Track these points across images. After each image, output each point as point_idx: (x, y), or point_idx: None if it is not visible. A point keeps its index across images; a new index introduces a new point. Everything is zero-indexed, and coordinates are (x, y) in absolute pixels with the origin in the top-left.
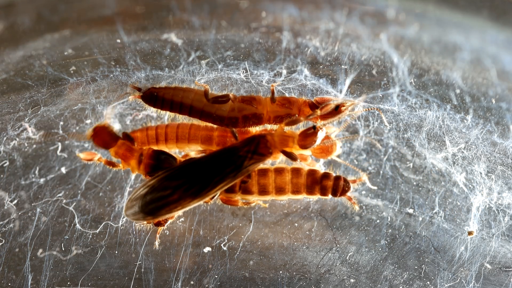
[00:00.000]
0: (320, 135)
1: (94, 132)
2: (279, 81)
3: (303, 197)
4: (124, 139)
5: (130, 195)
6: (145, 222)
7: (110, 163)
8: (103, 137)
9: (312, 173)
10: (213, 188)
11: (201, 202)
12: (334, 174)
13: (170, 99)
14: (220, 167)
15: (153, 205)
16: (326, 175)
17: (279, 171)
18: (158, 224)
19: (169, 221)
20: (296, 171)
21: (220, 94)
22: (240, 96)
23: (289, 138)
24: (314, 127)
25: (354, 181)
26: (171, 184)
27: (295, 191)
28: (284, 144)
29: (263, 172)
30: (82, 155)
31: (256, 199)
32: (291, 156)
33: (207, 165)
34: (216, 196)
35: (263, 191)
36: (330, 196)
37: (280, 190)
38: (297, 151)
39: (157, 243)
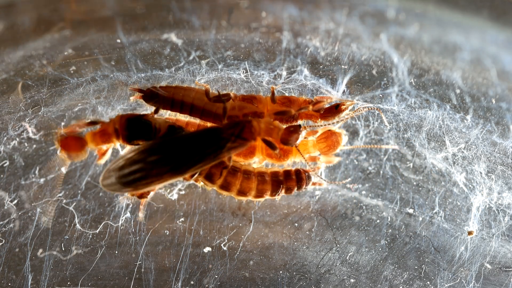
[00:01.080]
0: (303, 134)
1: (62, 146)
2: (280, 84)
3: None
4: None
5: (108, 165)
6: (124, 193)
7: (103, 153)
8: (72, 145)
9: (275, 176)
10: (192, 167)
11: (180, 179)
12: (293, 169)
13: (171, 97)
14: (201, 147)
15: (131, 177)
16: (287, 174)
17: (247, 174)
18: (141, 196)
19: (152, 193)
20: (261, 177)
21: (221, 93)
22: (241, 95)
23: (274, 128)
24: (299, 126)
25: (313, 169)
26: (149, 158)
27: (258, 196)
28: (268, 134)
29: (233, 170)
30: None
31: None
32: (271, 146)
33: (189, 143)
34: (195, 176)
35: (225, 187)
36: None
37: (241, 193)
38: (307, 152)
39: (141, 214)
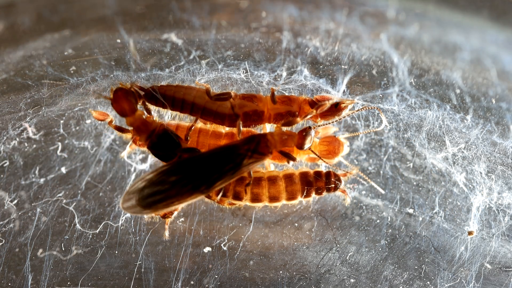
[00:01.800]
0: (312, 135)
1: (114, 96)
2: (280, 85)
3: (298, 201)
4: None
5: (128, 187)
6: (145, 215)
7: (119, 129)
8: (122, 104)
9: (304, 176)
10: (212, 185)
11: (200, 198)
12: (323, 171)
13: (172, 96)
14: (219, 165)
15: (151, 199)
16: (317, 175)
17: (272, 179)
18: (164, 216)
19: (175, 213)
20: (289, 178)
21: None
22: (241, 93)
23: (289, 137)
24: (309, 127)
25: (344, 174)
26: (169, 179)
27: (290, 198)
28: (284, 144)
29: (257, 181)
30: (94, 113)
31: (247, 204)
32: (289, 157)
33: (206, 162)
34: (220, 195)
35: (255, 199)
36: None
37: (273, 199)
38: (304, 154)
39: (166, 233)
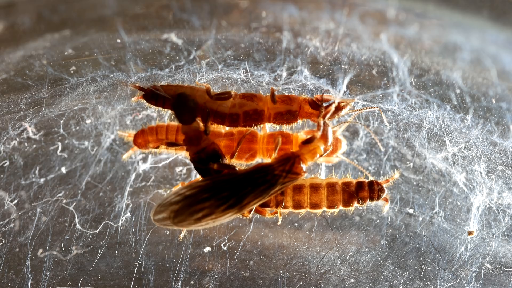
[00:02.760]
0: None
1: (178, 99)
2: (280, 86)
3: (339, 209)
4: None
5: (160, 200)
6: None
7: (172, 144)
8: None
9: (347, 186)
10: (246, 205)
11: (233, 217)
12: (366, 180)
13: (172, 96)
14: (254, 185)
15: (183, 216)
16: (360, 186)
17: (314, 187)
18: None
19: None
20: (331, 188)
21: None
22: (241, 93)
23: (316, 149)
24: (323, 123)
25: (386, 181)
26: (203, 196)
27: (331, 207)
28: (315, 156)
29: (298, 188)
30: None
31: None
32: (328, 160)
33: (242, 181)
34: (252, 211)
35: (297, 206)
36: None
37: (315, 206)
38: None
39: (182, 234)
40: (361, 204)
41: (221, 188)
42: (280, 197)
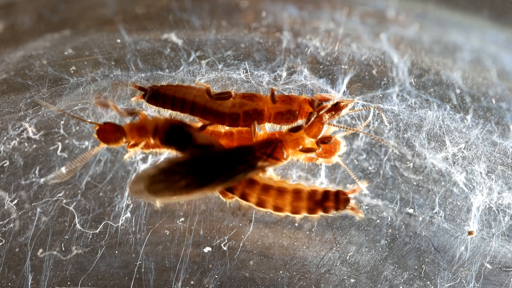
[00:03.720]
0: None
1: (99, 133)
2: (280, 86)
3: (302, 216)
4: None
5: (139, 172)
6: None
7: (134, 145)
8: (109, 133)
9: (313, 194)
10: (222, 183)
11: (207, 194)
12: (333, 190)
13: (172, 95)
14: (232, 164)
15: (159, 186)
16: (326, 195)
17: (281, 191)
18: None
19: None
20: (297, 194)
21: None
22: (241, 93)
23: (299, 139)
24: (310, 113)
25: (353, 191)
26: (180, 170)
27: (294, 212)
28: (297, 146)
29: (266, 188)
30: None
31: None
32: (310, 150)
33: (220, 159)
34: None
35: (260, 205)
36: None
37: (278, 209)
38: (301, 154)
39: (158, 204)
40: (327, 212)
41: (199, 164)
42: (248, 190)
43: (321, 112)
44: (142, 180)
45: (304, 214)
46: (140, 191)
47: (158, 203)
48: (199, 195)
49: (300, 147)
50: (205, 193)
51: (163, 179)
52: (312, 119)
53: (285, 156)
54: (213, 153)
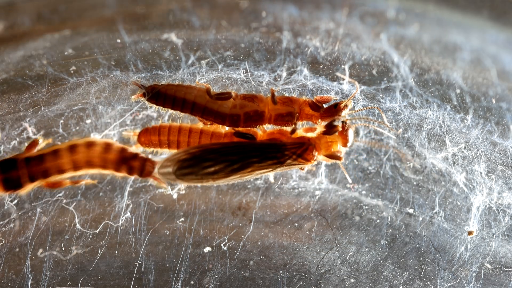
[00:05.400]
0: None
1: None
2: (280, 86)
3: (110, 172)
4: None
5: (169, 155)
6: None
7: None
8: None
9: (123, 150)
10: (249, 174)
11: (232, 181)
12: (144, 156)
13: (173, 95)
14: (263, 157)
15: (187, 171)
16: (135, 157)
17: (90, 144)
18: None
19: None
20: (109, 146)
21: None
22: (242, 93)
23: (333, 143)
24: (345, 122)
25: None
26: (212, 157)
27: (103, 166)
28: (329, 149)
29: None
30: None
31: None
32: (336, 157)
33: (253, 150)
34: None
35: (59, 171)
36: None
37: (89, 164)
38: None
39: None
40: (131, 174)
41: (231, 153)
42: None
43: (340, 118)
44: (171, 163)
45: (111, 170)
46: (168, 174)
47: (182, 186)
48: (223, 182)
49: (332, 150)
50: (230, 181)
51: (192, 164)
52: (344, 125)
53: (314, 158)
54: (246, 145)
